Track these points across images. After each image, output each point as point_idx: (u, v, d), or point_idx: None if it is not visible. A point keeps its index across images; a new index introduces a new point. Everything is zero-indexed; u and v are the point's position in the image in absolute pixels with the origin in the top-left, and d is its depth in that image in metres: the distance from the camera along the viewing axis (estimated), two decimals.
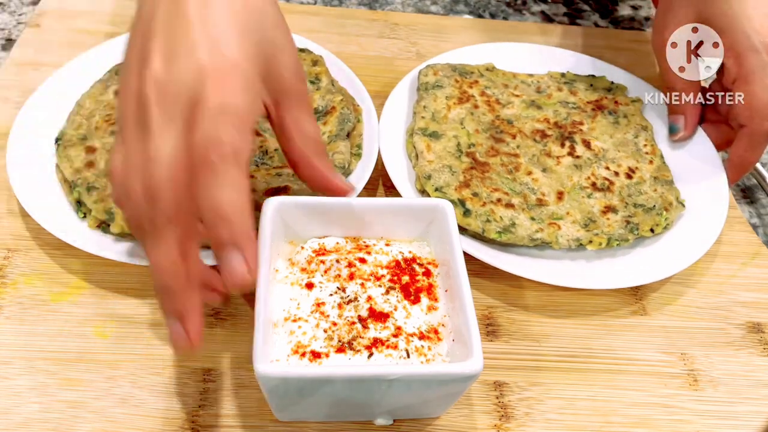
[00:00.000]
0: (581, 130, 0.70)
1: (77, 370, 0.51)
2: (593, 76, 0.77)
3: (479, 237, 0.60)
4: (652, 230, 0.62)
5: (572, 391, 0.55)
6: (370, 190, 0.68)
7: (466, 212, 0.59)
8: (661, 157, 0.70)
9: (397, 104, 0.70)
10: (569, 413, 0.53)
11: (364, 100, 0.71)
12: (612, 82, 0.77)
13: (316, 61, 0.72)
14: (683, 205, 0.65)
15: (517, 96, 0.73)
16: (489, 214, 0.59)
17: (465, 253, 0.51)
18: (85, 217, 0.58)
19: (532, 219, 0.61)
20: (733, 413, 0.55)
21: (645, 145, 0.70)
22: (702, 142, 0.71)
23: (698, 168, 0.69)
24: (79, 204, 0.58)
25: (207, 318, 0.56)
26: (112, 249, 0.55)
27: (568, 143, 0.68)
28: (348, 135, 0.67)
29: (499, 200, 0.61)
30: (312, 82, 0.70)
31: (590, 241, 0.60)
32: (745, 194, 0.77)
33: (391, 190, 0.64)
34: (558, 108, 0.72)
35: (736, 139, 0.66)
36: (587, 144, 0.69)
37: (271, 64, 0.45)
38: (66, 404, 0.50)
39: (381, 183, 0.68)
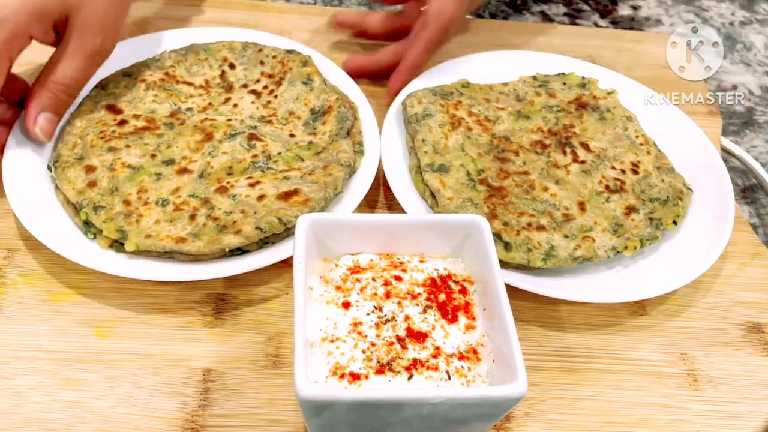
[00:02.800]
0: (575, 133, 0.70)
1: (77, 370, 0.51)
2: (563, 73, 0.77)
3: (522, 267, 0.59)
4: (674, 222, 0.63)
5: (573, 391, 0.55)
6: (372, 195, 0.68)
7: (507, 246, 0.59)
8: (655, 145, 0.71)
9: (390, 139, 0.68)
10: (570, 413, 0.53)
11: (358, 96, 0.71)
12: (583, 77, 0.77)
13: (306, 62, 0.72)
14: (691, 190, 0.66)
15: (502, 109, 0.72)
16: (527, 242, 0.59)
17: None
18: (95, 237, 0.57)
19: (566, 237, 0.60)
20: (733, 413, 0.55)
21: (636, 137, 0.71)
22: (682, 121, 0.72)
23: (689, 147, 0.70)
24: (86, 225, 0.58)
25: (207, 318, 0.56)
26: (130, 267, 0.55)
27: (569, 149, 0.68)
28: (348, 133, 0.67)
29: (529, 224, 0.61)
30: (304, 83, 0.70)
31: (626, 247, 0.61)
32: (745, 194, 0.77)
33: (393, 199, 0.64)
34: (545, 114, 0.72)
35: (413, 42, 0.71)
36: (586, 146, 0.69)
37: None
38: (66, 404, 0.49)
39: (381, 182, 0.68)
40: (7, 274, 0.57)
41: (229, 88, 0.71)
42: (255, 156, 0.63)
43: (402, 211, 0.62)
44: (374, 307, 0.47)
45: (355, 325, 0.46)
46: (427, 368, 0.44)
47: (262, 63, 0.72)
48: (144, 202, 0.59)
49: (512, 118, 0.71)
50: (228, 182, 0.61)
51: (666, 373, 0.57)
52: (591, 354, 0.57)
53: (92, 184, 0.59)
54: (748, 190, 0.77)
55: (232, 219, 0.57)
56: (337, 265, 0.49)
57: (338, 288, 0.48)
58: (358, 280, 0.48)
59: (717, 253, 0.61)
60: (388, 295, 0.47)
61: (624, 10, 1.00)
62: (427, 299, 0.48)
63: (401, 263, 0.50)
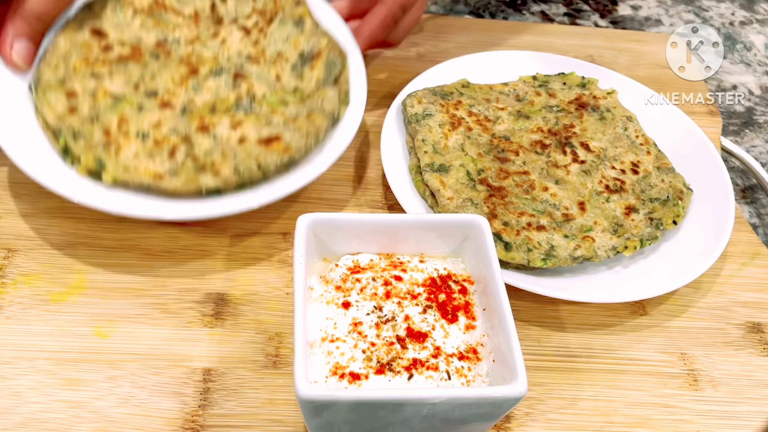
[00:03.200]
0: (575, 133, 0.70)
1: (77, 370, 0.51)
2: (563, 73, 0.77)
3: (522, 267, 0.59)
4: (674, 222, 0.63)
5: (573, 391, 0.55)
6: (372, 193, 0.68)
7: (507, 246, 0.59)
8: (655, 144, 0.71)
9: (390, 139, 0.68)
10: (570, 413, 0.53)
11: (349, 44, 0.69)
12: (583, 77, 0.77)
13: (299, 2, 0.69)
14: (691, 190, 0.66)
15: (502, 109, 0.72)
16: (527, 242, 0.59)
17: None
18: (73, 164, 0.57)
19: (566, 236, 0.60)
20: (734, 413, 0.55)
21: (636, 137, 0.71)
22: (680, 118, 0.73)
23: (689, 147, 0.71)
24: (65, 152, 0.57)
25: (207, 318, 0.56)
26: (107, 199, 0.55)
27: (569, 149, 0.68)
28: (335, 81, 0.65)
29: (529, 224, 0.61)
30: (296, 24, 0.68)
31: (625, 247, 0.61)
32: (745, 194, 0.77)
33: (393, 199, 0.64)
34: (545, 114, 0.72)
35: (370, 16, 0.70)
36: (586, 146, 0.69)
37: None
38: (66, 404, 0.49)
39: (381, 183, 0.68)
40: (7, 274, 0.57)
41: (219, 21, 0.68)
42: (239, 96, 0.62)
43: (402, 211, 0.62)
44: (374, 307, 0.47)
45: (355, 325, 0.46)
46: (427, 368, 0.44)
47: None
48: (124, 134, 0.58)
49: (512, 118, 0.71)
50: (210, 121, 0.60)
51: (666, 373, 0.57)
52: (591, 354, 0.57)
53: (73, 110, 0.58)
54: (748, 190, 0.77)
55: (211, 160, 0.57)
56: (337, 265, 0.50)
57: (338, 288, 0.48)
58: (358, 280, 0.48)
59: (717, 253, 0.61)
60: (388, 295, 0.47)
61: (624, 10, 1.01)
62: (427, 299, 0.48)
63: (401, 263, 0.50)
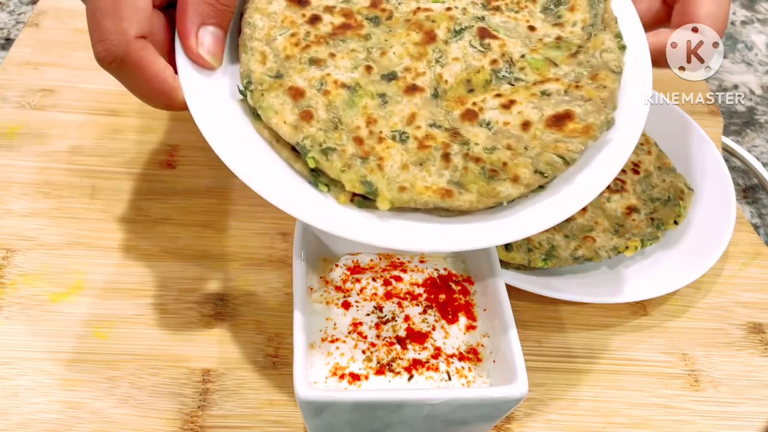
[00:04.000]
0: None
1: (77, 370, 0.51)
2: None
3: (522, 267, 0.59)
4: (675, 222, 0.63)
5: (573, 392, 0.54)
6: None
7: (507, 246, 0.58)
8: (656, 144, 0.71)
9: None
10: (570, 414, 0.53)
11: None
12: None
13: None
14: (692, 189, 0.66)
15: None
16: (527, 242, 0.59)
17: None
18: (329, 189, 0.44)
19: (566, 236, 0.60)
20: (734, 413, 0.55)
21: None
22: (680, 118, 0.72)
23: (690, 147, 0.70)
24: (314, 173, 0.44)
25: (207, 318, 0.56)
26: (391, 232, 0.42)
27: None
28: (602, 21, 0.50)
29: None
30: None
31: (626, 247, 0.60)
32: (746, 194, 0.76)
33: None
34: None
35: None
36: None
37: None
38: (65, 404, 0.49)
39: None
40: (7, 274, 0.57)
41: None
42: (494, 62, 0.48)
43: None
44: (374, 307, 0.47)
45: (355, 325, 0.46)
46: (428, 369, 0.44)
47: None
48: (378, 138, 0.44)
49: None
50: (474, 103, 0.46)
51: (667, 374, 0.57)
52: (592, 354, 0.57)
53: (307, 116, 0.44)
54: (749, 189, 0.77)
55: (499, 159, 0.44)
56: (337, 266, 0.49)
57: (338, 288, 0.48)
58: (358, 280, 0.48)
59: (718, 253, 0.61)
60: (388, 296, 0.47)
61: None
62: (428, 299, 0.48)
63: (401, 263, 0.50)
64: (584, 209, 0.63)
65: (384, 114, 0.46)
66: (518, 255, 0.58)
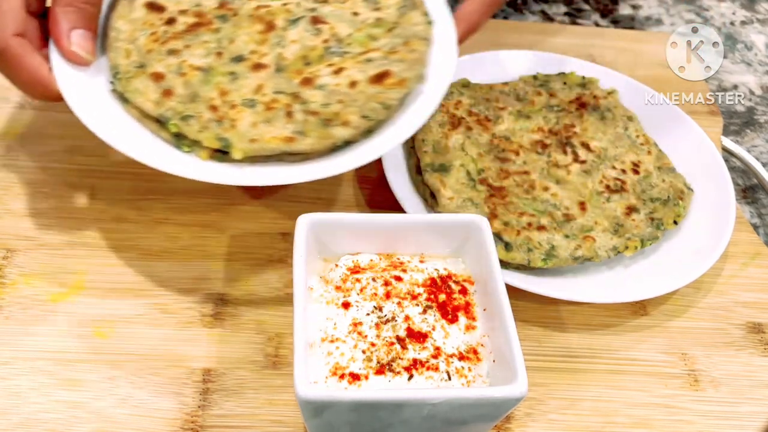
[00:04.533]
0: (575, 132, 0.70)
1: (77, 370, 0.51)
2: (563, 73, 0.77)
3: (522, 267, 0.59)
4: (675, 222, 0.63)
5: (573, 392, 0.54)
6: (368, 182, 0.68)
7: (507, 246, 0.59)
8: (656, 144, 0.71)
9: None
10: (571, 413, 0.53)
11: None
12: (583, 77, 0.77)
13: None
14: (692, 190, 0.67)
15: (502, 108, 0.71)
16: (527, 242, 0.59)
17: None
18: (190, 150, 0.53)
19: (566, 236, 0.60)
20: (734, 413, 0.55)
21: (637, 137, 0.71)
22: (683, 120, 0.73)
23: (690, 147, 0.71)
24: (177, 137, 0.53)
25: (207, 318, 0.56)
26: (246, 175, 0.52)
27: (569, 149, 0.68)
28: (411, 4, 0.62)
29: (529, 224, 0.60)
30: None
31: (626, 247, 0.61)
32: (745, 194, 0.77)
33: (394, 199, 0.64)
34: (545, 114, 0.72)
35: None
36: (587, 146, 0.69)
37: None
38: (66, 404, 0.49)
39: (381, 183, 0.68)
40: (7, 274, 0.57)
41: None
42: (326, 41, 0.59)
43: (402, 211, 0.62)
44: (374, 307, 0.47)
45: (355, 325, 0.46)
46: (428, 368, 0.44)
47: None
48: (231, 105, 0.54)
49: (512, 117, 0.71)
50: (310, 72, 0.57)
51: (667, 374, 0.57)
52: (592, 354, 0.57)
53: (168, 93, 0.54)
54: (748, 189, 0.77)
55: (333, 111, 0.54)
56: (337, 265, 0.49)
57: (338, 288, 0.48)
58: (358, 280, 0.48)
59: (718, 253, 0.61)
60: (388, 296, 0.47)
61: (624, 10, 1.00)
62: (428, 299, 0.48)
63: (401, 263, 0.50)
64: (584, 209, 0.63)
65: (235, 87, 0.55)
66: (518, 255, 0.58)
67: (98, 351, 0.53)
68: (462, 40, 0.64)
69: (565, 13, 0.98)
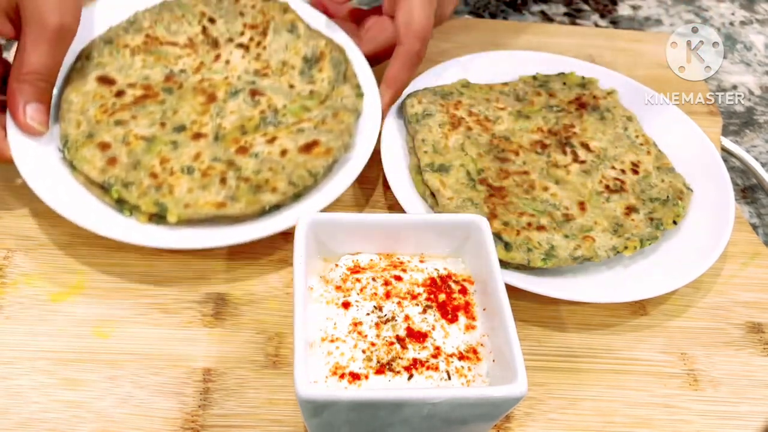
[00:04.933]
0: (575, 133, 0.70)
1: (77, 370, 0.51)
2: (563, 73, 0.77)
3: (522, 267, 0.59)
4: (675, 222, 0.63)
5: (573, 391, 0.55)
6: (368, 189, 0.68)
7: (507, 246, 0.59)
8: (655, 144, 0.71)
9: (390, 139, 0.68)
10: (570, 413, 0.53)
11: (342, 38, 0.70)
12: (583, 77, 0.77)
13: (286, 8, 0.71)
14: (691, 190, 0.67)
15: (502, 109, 0.72)
16: (527, 242, 0.59)
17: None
18: (131, 214, 0.57)
19: (566, 236, 0.60)
20: (734, 413, 0.55)
21: (637, 137, 0.71)
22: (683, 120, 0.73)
23: (689, 147, 0.71)
24: (119, 203, 0.58)
25: (207, 318, 0.56)
26: (178, 238, 0.56)
27: (569, 149, 0.68)
28: (344, 77, 0.67)
29: (529, 224, 0.60)
30: (289, 31, 0.69)
31: (626, 247, 0.61)
32: (745, 194, 0.77)
33: (394, 199, 0.64)
34: (545, 114, 0.72)
35: (392, 59, 0.67)
36: (586, 146, 0.69)
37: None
38: (66, 404, 0.49)
39: (381, 183, 0.68)
40: (7, 274, 0.57)
41: (215, 44, 0.69)
42: (262, 111, 0.64)
43: (402, 211, 0.62)
44: (374, 307, 0.47)
45: (355, 325, 0.46)
46: (427, 368, 0.44)
47: (242, 14, 0.71)
48: (170, 172, 0.59)
49: (512, 118, 0.71)
50: (245, 141, 0.62)
51: (666, 373, 0.57)
52: (591, 354, 0.57)
53: (112, 161, 0.58)
54: (748, 189, 0.77)
55: (263, 177, 0.59)
56: (337, 265, 0.50)
57: (338, 288, 0.48)
58: (358, 280, 0.48)
59: (717, 253, 0.61)
60: (388, 295, 0.47)
61: (624, 10, 1.01)
62: (427, 299, 0.48)
63: (401, 263, 0.50)
64: (583, 209, 0.63)
65: (176, 155, 0.60)
66: (518, 255, 0.58)
67: (98, 351, 0.53)
68: (394, 100, 0.69)
69: (565, 14, 0.98)
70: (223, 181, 0.58)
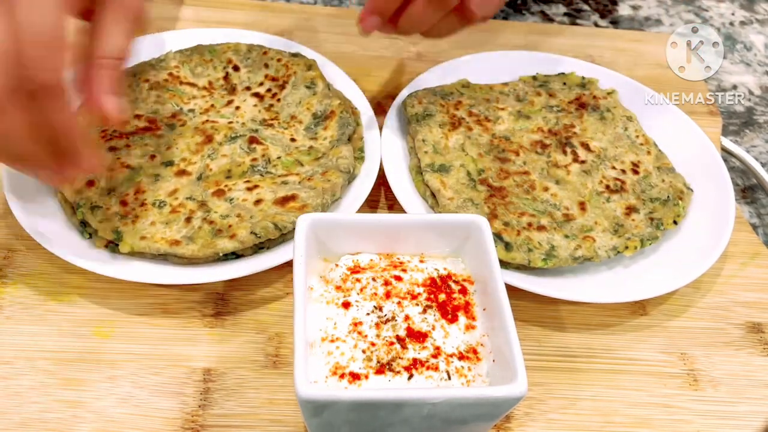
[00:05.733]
0: (575, 133, 0.70)
1: (77, 370, 0.51)
2: (563, 73, 0.77)
3: (522, 267, 0.59)
4: (675, 222, 0.63)
5: (573, 391, 0.55)
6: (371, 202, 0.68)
7: (507, 246, 0.59)
8: (655, 144, 0.71)
9: (390, 139, 0.68)
10: (570, 413, 0.53)
11: (362, 102, 0.70)
12: (583, 77, 0.77)
13: (310, 66, 0.72)
14: (691, 190, 0.67)
15: (502, 109, 0.72)
16: (527, 242, 0.59)
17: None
18: (90, 237, 0.57)
19: (566, 237, 0.60)
20: (733, 413, 0.55)
21: (637, 137, 0.71)
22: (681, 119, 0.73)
23: (689, 147, 0.71)
24: (83, 224, 0.58)
25: (207, 318, 0.56)
26: (122, 269, 0.55)
27: (569, 149, 0.68)
28: (349, 139, 0.67)
29: (529, 224, 0.61)
30: (308, 87, 0.70)
31: (626, 247, 0.61)
32: (745, 194, 0.77)
33: (394, 199, 0.64)
34: (545, 114, 0.72)
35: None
36: (586, 146, 0.69)
37: None
38: (66, 404, 0.49)
39: (381, 183, 0.68)
40: (8, 274, 0.57)
41: (232, 90, 0.70)
42: (255, 159, 0.63)
43: (402, 211, 0.62)
44: (374, 307, 0.47)
45: (355, 325, 0.46)
46: (427, 368, 0.44)
47: (266, 66, 0.72)
48: (141, 203, 0.59)
49: (512, 118, 0.71)
50: (226, 185, 0.61)
51: (666, 373, 0.57)
52: (591, 354, 0.57)
53: (91, 184, 0.59)
54: (748, 190, 0.77)
55: (227, 223, 0.57)
56: (337, 265, 0.50)
57: (338, 288, 0.48)
58: (358, 280, 0.48)
59: (717, 253, 0.61)
60: (388, 295, 0.47)
61: (624, 10, 1.01)
62: (427, 299, 0.48)
63: (401, 263, 0.50)
64: (584, 209, 0.63)
65: (153, 188, 0.60)
66: (518, 255, 0.58)
67: (99, 351, 0.53)
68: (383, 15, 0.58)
69: (565, 14, 0.98)
70: (188, 220, 0.58)
